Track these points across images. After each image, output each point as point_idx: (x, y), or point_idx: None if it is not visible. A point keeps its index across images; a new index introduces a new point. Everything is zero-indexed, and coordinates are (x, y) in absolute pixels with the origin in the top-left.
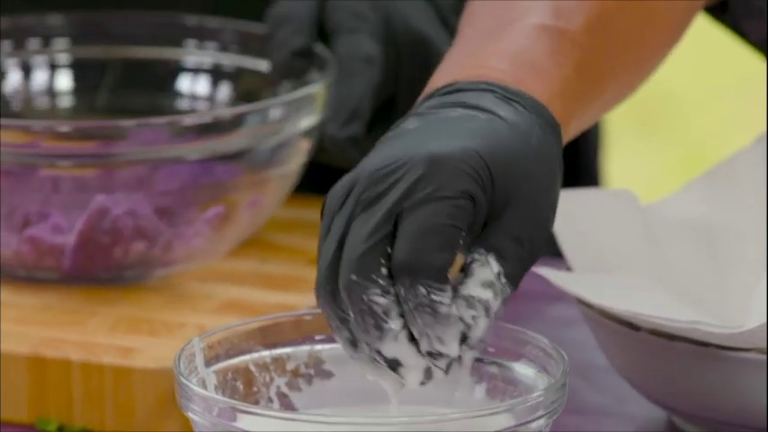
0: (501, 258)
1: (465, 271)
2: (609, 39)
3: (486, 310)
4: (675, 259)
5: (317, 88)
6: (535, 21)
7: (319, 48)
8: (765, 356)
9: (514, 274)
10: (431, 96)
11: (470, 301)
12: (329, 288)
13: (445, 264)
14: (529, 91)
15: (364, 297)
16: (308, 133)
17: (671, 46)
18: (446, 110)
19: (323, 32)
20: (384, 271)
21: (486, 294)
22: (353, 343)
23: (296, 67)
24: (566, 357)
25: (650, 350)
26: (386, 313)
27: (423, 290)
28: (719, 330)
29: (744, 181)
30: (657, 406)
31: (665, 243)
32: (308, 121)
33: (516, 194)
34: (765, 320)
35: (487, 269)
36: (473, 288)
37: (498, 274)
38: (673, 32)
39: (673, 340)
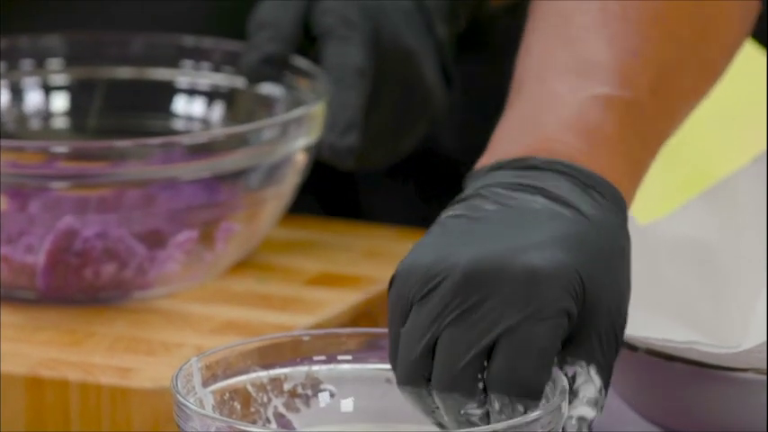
0: (600, 369)
1: (571, 389)
2: (671, 99)
3: (589, 425)
4: (673, 279)
5: (312, 108)
6: (603, 91)
7: (297, 58)
8: (765, 377)
9: (608, 380)
10: (501, 167)
11: (580, 423)
12: (415, 390)
13: (543, 384)
14: (602, 170)
15: (461, 410)
16: (303, 153)
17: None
18: (525, 196)
19: (308, 34)
20: (480, 385)
21: (591, 413)
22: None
23: (264, 74)
24: (563, 377)
25: (648, 370)
26: (481, 420)
27: (520, 407)
28: (717, 350)
29: (743, 200)
30: (656, 426)
31: (662, 262)
32: (303, 141)
33: (605, 298)
34: (764, 340)
35: (591, 386)
36: (581, 408)
37: (600, 389)
38: (719, 77)
39: (671, 361)
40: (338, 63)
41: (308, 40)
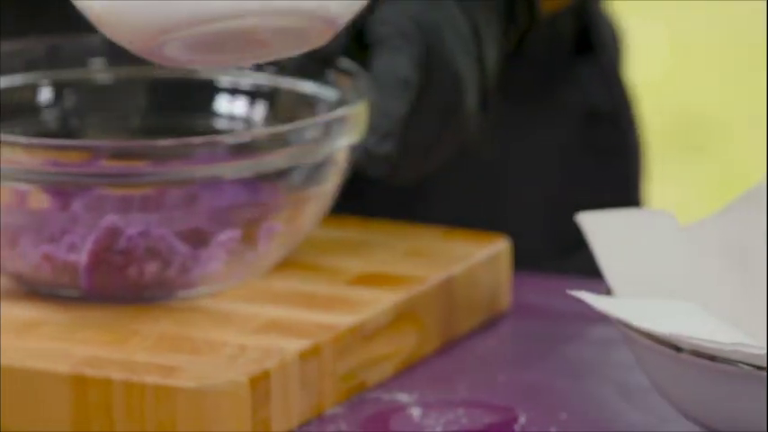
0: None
1: None
2: None
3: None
4: (715, 281)
5: (354, 109)
6: None
7: (345, 61)
8: None
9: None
10: None
11: None
12: None
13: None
14: None
15: None
16: (345, 153)
17: None
18: None
19: (361, 41)
20: None
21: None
22: None
23: (307, 68)
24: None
25: (692, 371)
26: None
27: None
28: (762, 352)
29: None
30: (700, 426)
31: (703, 265)
32: (345, 141)
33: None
34: None
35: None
36: None
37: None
38: None
39: (715, 361)
40: (385, 72)
41: (359, 47)
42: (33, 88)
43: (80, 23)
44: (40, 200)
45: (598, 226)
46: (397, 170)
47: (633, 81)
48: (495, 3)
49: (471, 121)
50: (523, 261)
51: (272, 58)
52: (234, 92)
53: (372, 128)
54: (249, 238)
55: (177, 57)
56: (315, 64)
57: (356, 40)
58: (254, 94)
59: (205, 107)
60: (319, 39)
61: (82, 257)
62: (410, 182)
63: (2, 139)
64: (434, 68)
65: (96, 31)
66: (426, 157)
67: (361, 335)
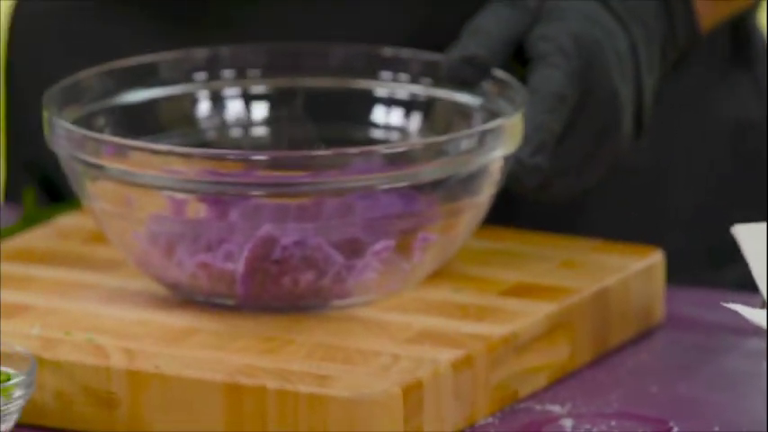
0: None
1: None
2: None
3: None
4: None
5: (509, 120)
6: None
7: (501, 72)
8: None
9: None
10: None
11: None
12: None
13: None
14: None
15: None
16: (499, 164)
17: None
18: None
19: (520, 57)
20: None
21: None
22: None
23: (462, 73)
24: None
25: None
26: None
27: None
28: None
29: None
30: None
31: None
32: (500, 152)
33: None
34: None
35: None
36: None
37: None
38: None
39: None
40: (542, 86)
41: (518, 62)
42: (192, 98)
43: (240, 34)
44: (198, 209)
45: (753, 238)
46: (549, 185)
47: None
48: (655, 22)
49: (626, 140)
50: (677, 273)
51: None
52: (390, 102)
53: (526, 140)
54: (404, 248)
55: None
56: (471, 74)
57: (516, 55)
58: (410, 105)
59: (361, 117)
60: None
61: (238, 266)
62: (563, 200)
63: (160, 148)
64: (592, 86)
65: (255, 42)
66: (580, 176)
67: (514, 345)
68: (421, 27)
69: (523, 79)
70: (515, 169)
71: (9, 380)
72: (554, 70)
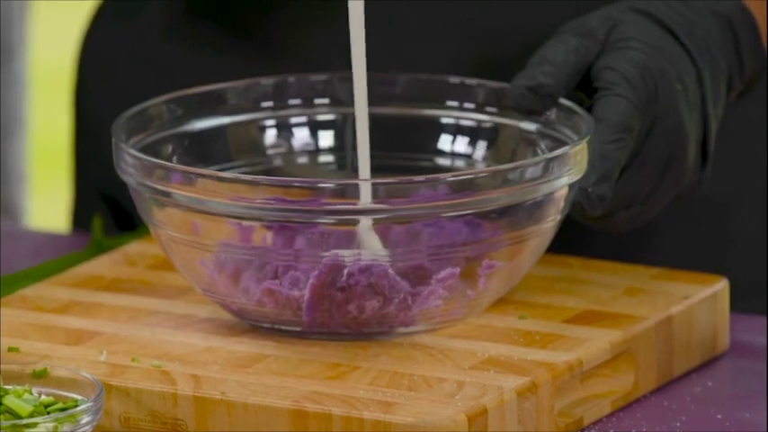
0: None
1: None
2: None
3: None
4: None
5: (574, 148)
6: None
7: (566, 100)
8: None
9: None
10: None
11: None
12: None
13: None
14: None
15: None
16: (564, 192)
17: None
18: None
19: (586, 87)
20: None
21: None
22: None
23: (527, 100)
24: None
25: None
26: None
27: None
28: None
29: None
30: None
31: None
32: (565, 180)
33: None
34: None
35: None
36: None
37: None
38: None
39: None
40: (608, 115)
41: (584, 91)
42: (259, 126)
43: (306, 63)
44: (264, 236)
45: None
46: (613, 215)
47: None
48: (722, 52)
49: (691, 171)
50: (742, 301)
51: None
52: (456, 130)
53: (591, 169)
54: (469, 276)
55: None
56: (537, 103)
57: (582, 85)
58: (475, 132)
59: (427, 145)
60: None
61: (304, 293)
62: (626, 229)
63: (227, 176)
64: (658, 117)
65: (322, 70)
66: (644, 206)
67: (579, 373)
68: (486, 58)
69: (589, 109)
70: (579, 198)
71: (77, 406)
72: (620, 100)
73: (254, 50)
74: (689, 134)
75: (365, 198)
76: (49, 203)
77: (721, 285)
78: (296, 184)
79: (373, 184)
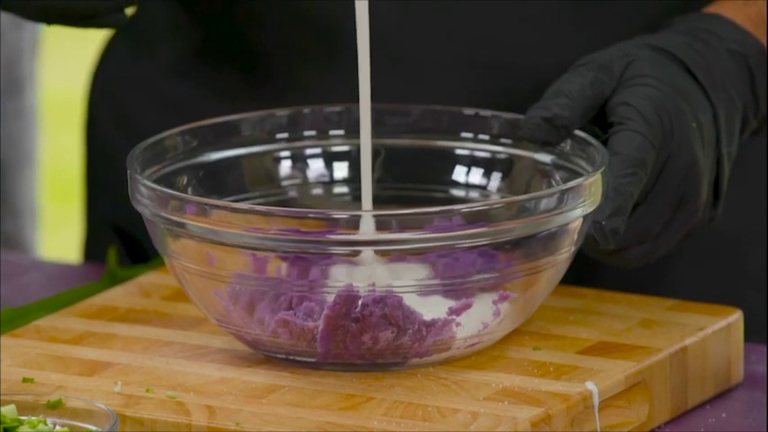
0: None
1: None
2: None
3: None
4: None
5: (589, 179)
6: None
7: (581, 133)
8: None
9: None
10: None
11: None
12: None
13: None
14: None
15: None
16: (579, 223)
17: None
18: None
19: (602, 120)
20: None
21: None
22: None
23: (542, 132)
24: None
25: None
26: None
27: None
28: None
29: None
30: None
31: None
32: (579, 211)
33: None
34: None
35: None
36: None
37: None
38: None
39: None
40: (623, 149)
41: (599, 126)
42: (274, 157)
43: (320, 95)
44: (279, 267)
45: None
46: (625, 250)
47: None
48: (738, 91)
49: (703, 208)
50: (756, 333)
51: None
52: (470, 161)
53: (604, 202)
54: (483, 307)
55: None
56: (552, 134)
57: (596, 120)
58: (490, 164)
59: (442, 176)
60: None
61: (318, 324)
62: (637, 264)
63: (242, 207)
64: (672, 154)
65: (336, 102)
66: (655, 242)
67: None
68: (499, 90)
69: (603, 144)
70: (593, 231)
71: None
72: (635, 135)
73: (267, 89)
74: (702, 172)
75: (367, 228)
76: (59, 237)
77: (735, 317)
78: (310, 216)
79: (384, 216)
